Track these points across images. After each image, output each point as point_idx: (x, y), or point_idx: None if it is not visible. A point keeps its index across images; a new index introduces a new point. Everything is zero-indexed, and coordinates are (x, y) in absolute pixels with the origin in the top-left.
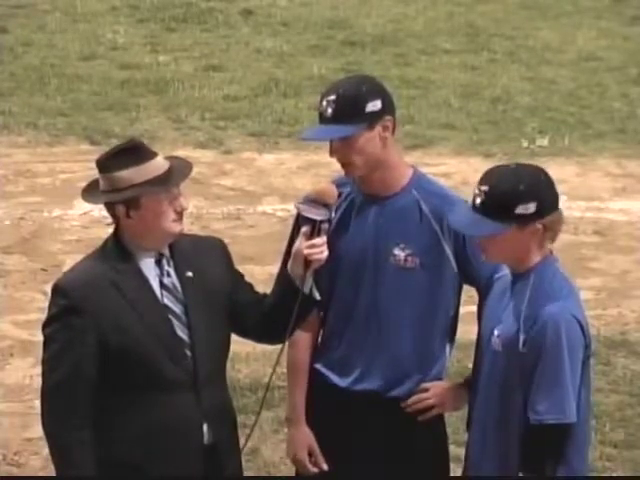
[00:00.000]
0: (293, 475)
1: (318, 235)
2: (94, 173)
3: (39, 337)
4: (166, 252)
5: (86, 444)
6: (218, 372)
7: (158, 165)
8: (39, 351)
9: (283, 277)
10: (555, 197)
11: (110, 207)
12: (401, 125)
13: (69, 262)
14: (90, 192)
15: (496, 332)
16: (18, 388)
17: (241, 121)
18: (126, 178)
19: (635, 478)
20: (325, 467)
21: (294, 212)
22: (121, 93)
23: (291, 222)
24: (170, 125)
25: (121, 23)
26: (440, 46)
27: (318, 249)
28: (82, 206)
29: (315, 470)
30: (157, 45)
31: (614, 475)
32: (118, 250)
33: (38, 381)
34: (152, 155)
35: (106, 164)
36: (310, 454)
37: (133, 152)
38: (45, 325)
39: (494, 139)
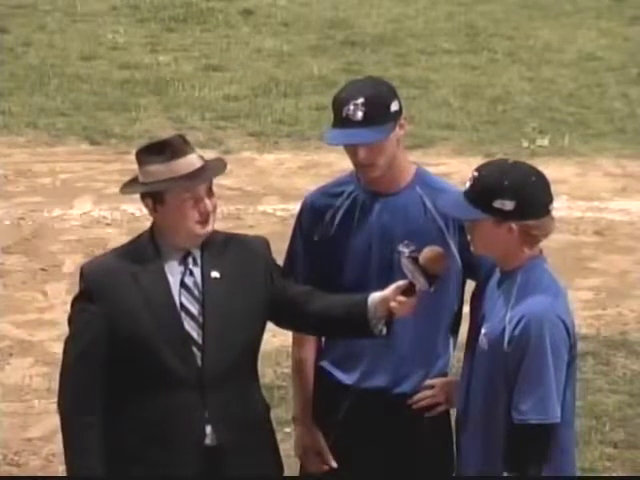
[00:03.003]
0: (295, 475)
1: (410, 296)
2: (94, 173)
3: (39, 337)
4: (195, 251)
5: (93, 427)
6: (236, 375)
7: (188, 163)
8: (39, 351)
9: (360, 308)
10: (541, 204)
11: (142, 200)
12: None
13: (69, 262)
14: (130, 183)
15: (483, 331)
16: (18, 388)
17: (241, 121)
18: (152, 172)
19: (635, 478)
20: (334, 464)
21: (294, 212)
22: (121, 93)
23: (291, 222)
24: (170, 125)
25: (121, 23)
26: (440, 46)
27: (405, 308)
28: (82, 206)
29: (325, 468)
30: (157, 45)
31: (614, 475)
32: (147, 244)
33: (38, 381)
34: (183, 152)
35: (139, 157)
36: (318, 452)
37: (165, 147)
38: (70, 305)
39: (494, 139)
